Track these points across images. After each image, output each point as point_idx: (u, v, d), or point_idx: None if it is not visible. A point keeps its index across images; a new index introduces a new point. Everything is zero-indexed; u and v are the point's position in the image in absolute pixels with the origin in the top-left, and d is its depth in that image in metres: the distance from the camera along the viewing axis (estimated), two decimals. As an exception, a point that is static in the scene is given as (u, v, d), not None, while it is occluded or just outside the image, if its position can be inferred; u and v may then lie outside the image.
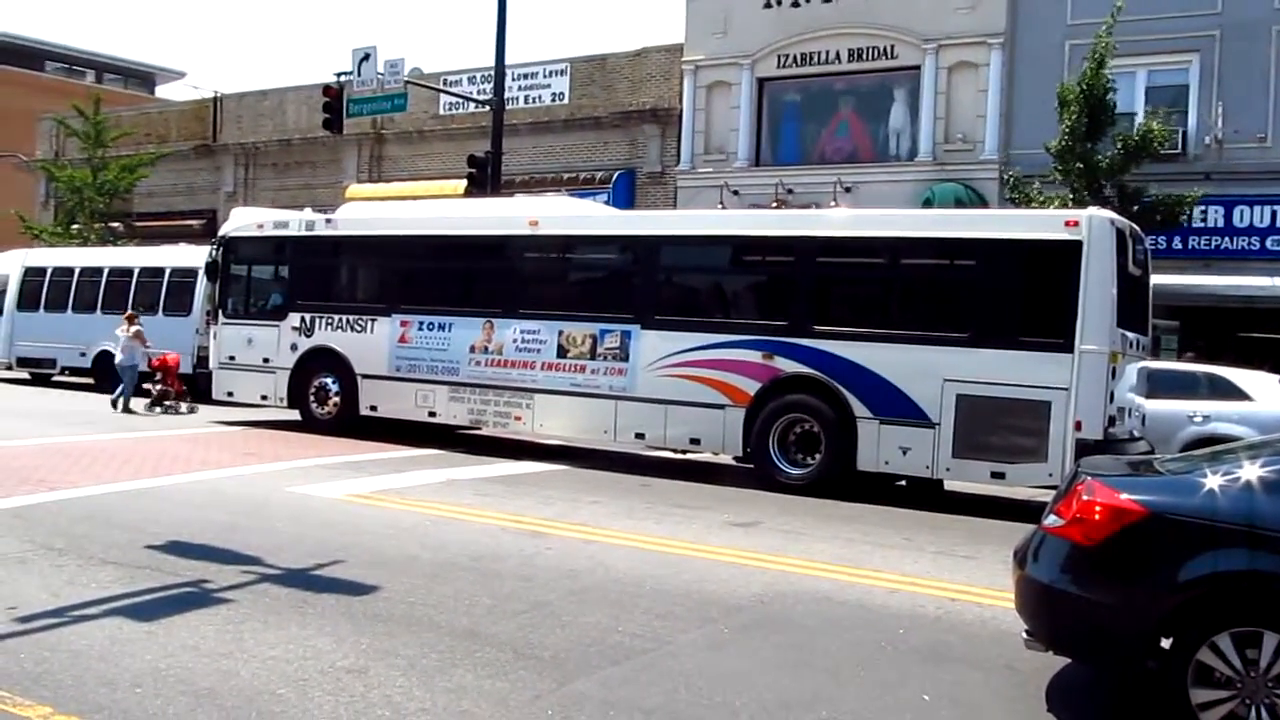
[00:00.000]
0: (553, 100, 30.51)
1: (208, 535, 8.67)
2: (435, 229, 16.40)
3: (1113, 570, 5.29)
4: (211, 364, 18.06)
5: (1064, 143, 19.94)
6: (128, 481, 11.14)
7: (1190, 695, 5.01)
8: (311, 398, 16.82)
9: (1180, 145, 22.21)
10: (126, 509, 9.70)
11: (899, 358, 12.45)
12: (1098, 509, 5.30)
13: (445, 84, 30.58)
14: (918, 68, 25.13)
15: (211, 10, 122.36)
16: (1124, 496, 5.31)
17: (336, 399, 16.57)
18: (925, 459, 12.26)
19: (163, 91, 59.14)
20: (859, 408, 12.59)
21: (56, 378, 25.80)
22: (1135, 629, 5.19)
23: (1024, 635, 5.66)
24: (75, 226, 35.05)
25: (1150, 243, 14.57)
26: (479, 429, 16.50)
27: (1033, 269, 12.23)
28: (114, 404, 19.59)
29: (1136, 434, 12.86)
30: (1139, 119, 21.10)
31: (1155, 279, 13.84)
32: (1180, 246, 22.10)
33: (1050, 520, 5.63)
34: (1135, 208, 19.14)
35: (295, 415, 17.10)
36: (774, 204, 24.66)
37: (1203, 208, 21.70)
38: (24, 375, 26.63)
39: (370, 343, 16.23)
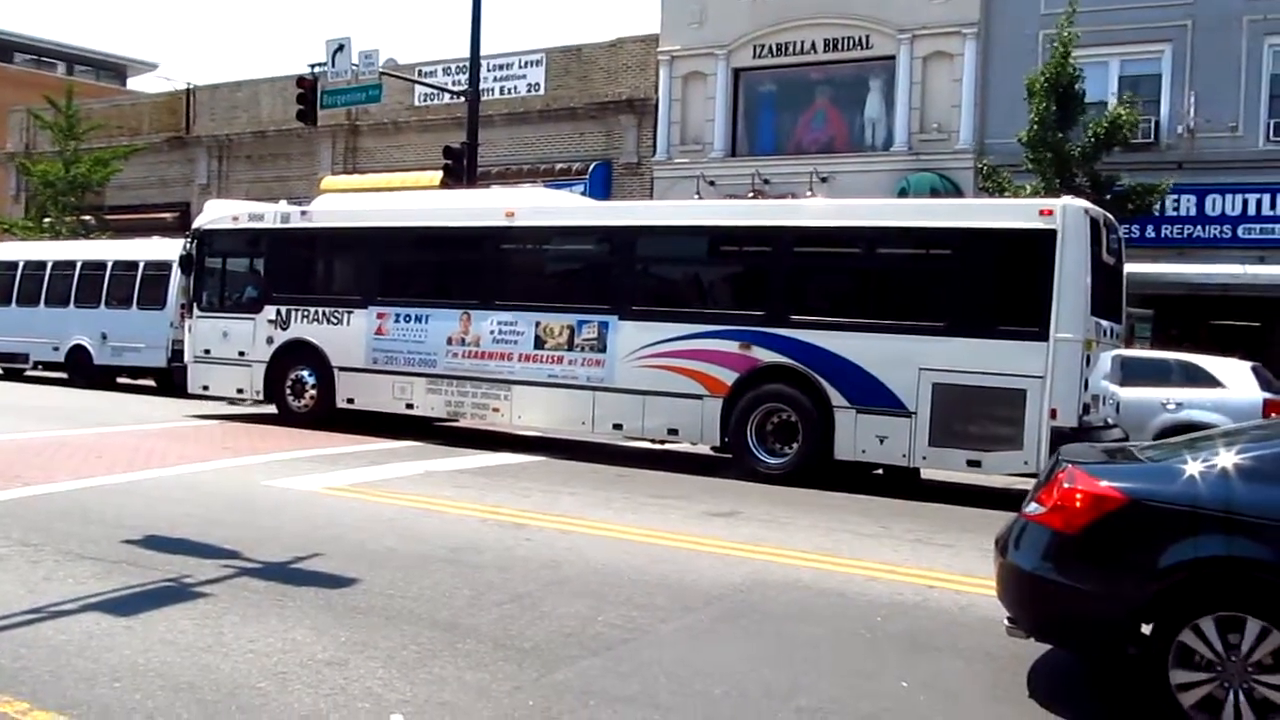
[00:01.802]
0: (528, 91, 30.45)
1: (185, 530, 8.63)
2: (411, 221, 16.35)
3: (1093, 557, 5.34)
4: (186, 358, 17.94)
5: (1034, 132, 20.06)
6: (104, 476, 11.08)
7: (1170, 677, 5.07)
8: (288, 391, 16.74)
9: (1153, 134, 22.40)
10: (103, 504, 9.64)
11: (876, 347, 12.50)
12: (1078, 496, 5.34)
13: (420, 75, 30.47)
14: (893, 58, 25.23)
15: (183, 1, 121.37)
16: (1104, 484, 5.36)
17: (313, 392, 16.50)
18: (902, 447, 12.32)
19: (134, 83, 58.61)
20: (836, 397, 12.64)
21: (29, 373, 25.59)
22: (1116, 615, 5.24)
23: (1006, 622, 5.70)
24: (47, 220, 34.75)
25: (1124, 231, 14.68)
26: (457, 421, 16.47)
27: (1007, 258, 12.29)
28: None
29: (1111, 421, 12.97)
30: (1111, 108, 21.24)
31: (1129, 267, 13.95)
32: (1154, 235, 22.29)
33: (1031, 508, 5.67)
34: (1108, 196, 19.28)
35: (271, 409, 17.03)
36: (750, 194, 24.70)
37: (1175, 196, 21.90)
38: (-4, 370, 26.43)
39: (347, 335, 16.17)
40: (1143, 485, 5.38)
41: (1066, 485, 5.43)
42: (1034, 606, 5.60)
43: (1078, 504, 5.33)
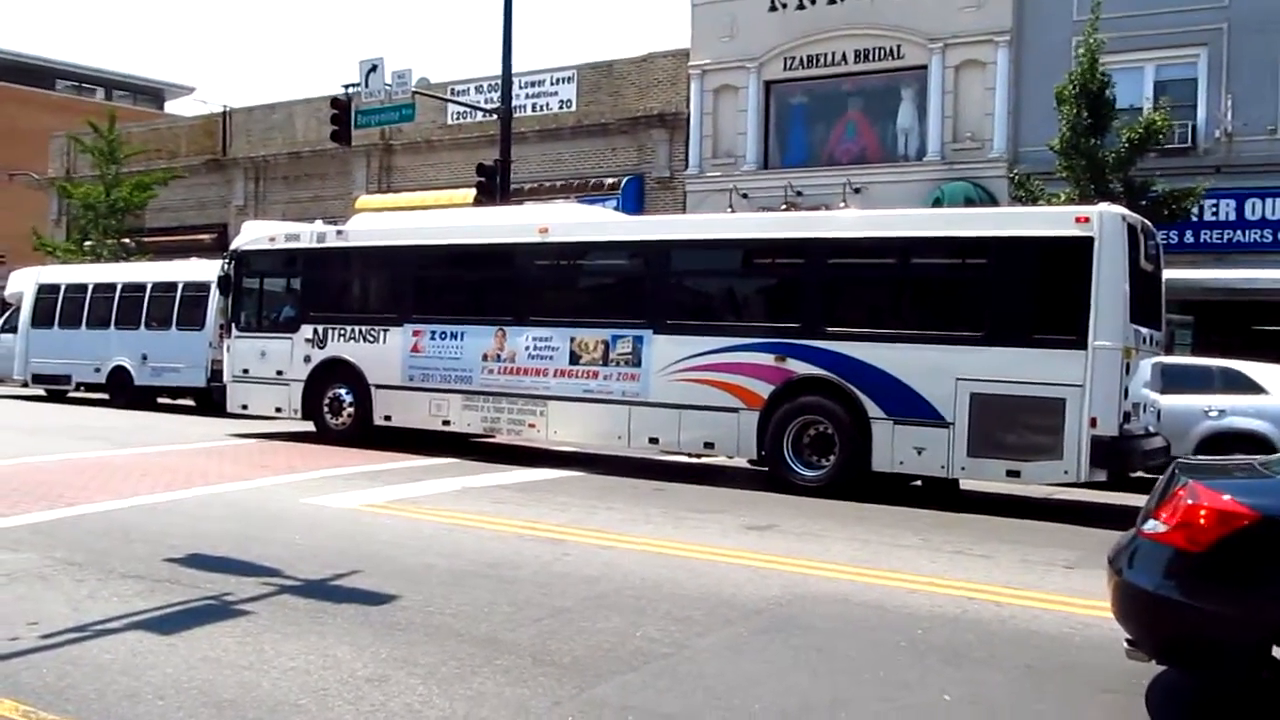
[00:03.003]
0: (560, 107, 30.59)
1: (225, 547, 8.71)
2: (445, 238, 16.46)
3: (1223, 577, 5.10)
4: (225, 377, 18.14)
5: (1066, 139, 19.92)
6: (145, 496, 11.19)
7: None
8: (325, 409, 16.87)
9: (1190, 139, 22.17)
10: (145, 523, 9.75)
11: (912, 357, 12.43)
12: (1203, 513, 5.10)
13: (452, 93, 30.69)
14: (924, 67, 25.14)
15: (219, 25, 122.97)
16: (1228, 498, 5.13)
17: (350, 410, 16.62)
18: (940, 459, 12.24)
19: (172, 107, 59.47)
20: (873, 408, 12.58)
21: (72, 394, 25.93)
22: (1248, 638, 5.01)
23: (1125, 644, 5.47)
24: (88, 243, 35.24)
25: (1162, 237, 14.53)
26: (493, 437, 16.53)
27: (1044, 266, 12.20)
28: None
29: (1152, 429, 12.83)
30: (1147, 113, 21.05)
31: (1168, 274, 13.79)
32: (1192, 241, 22.07)
33: (1150, 525, 5.43)
34: (1143, 202, 19.10)
35: (309, 427, 17.17)
36: (783, 206, 24.65)
37: (1214, 201, 21.67)
38: (39, 392, 26.78)
39: (383, 353, 16.28)
40: (1275, 500, 5.15)
41: (1189, 501, 5.18)
42: (1157, 628, 5.35)
43: (1202, 520, 5.08)
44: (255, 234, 18.43)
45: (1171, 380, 14.46)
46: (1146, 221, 13.03)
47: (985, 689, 5.86)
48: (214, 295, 21.60)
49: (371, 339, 16.43)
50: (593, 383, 14.47)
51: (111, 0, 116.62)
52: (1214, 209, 21.94)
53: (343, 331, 16.73)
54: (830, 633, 6.80)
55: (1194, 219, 21.27)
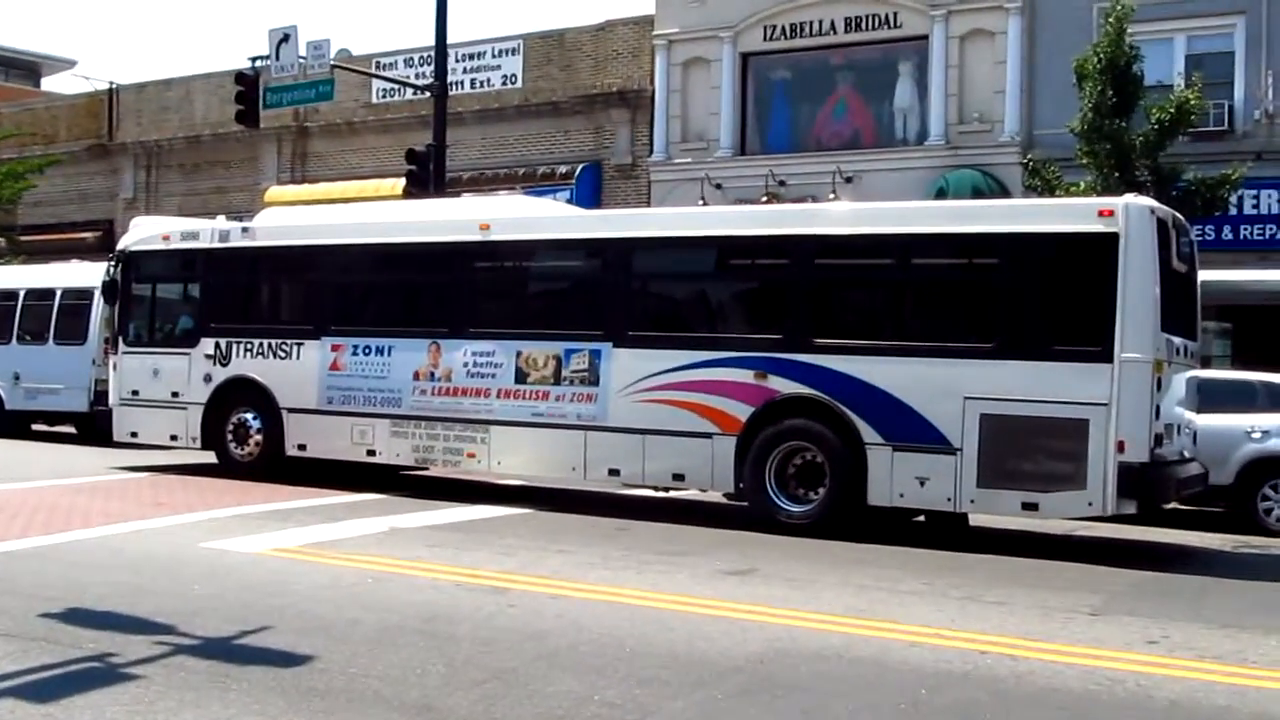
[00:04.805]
0: (504, 84, 30.62)
1: (112, 600, 8.61)
2: (369, 237, 16.40)
3: None
4: (111, 400, 17.99)
5: (1087, 121, 20.11)
6: (15, 540, 11.06)
7: None
8: (229, 437, 16.77)
9: (1226, 121, 22.45)
10: (15, 572, 9.62)
11: (913, 373, 12.50)
12: None
13: (378, 68, 30.66)
14: (925, 37, 25.38)
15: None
16: None
17: (258, 438, 16.52)
18: (946, 490, 12.30)
19: (49, 84, 58.87)
20: (868, 433, 12.64)
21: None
22: None
23: None
24: (-52, 244, 34.92)
25: (1196, 233, 14.70)
26: (426, 469, 16.47)
27: (1063, 267, 12.33)
28: None
29: (1188, 454, 12.96)
30: (1178, 91, 21.30)
31: (1203, 275, 13.96)
32: (1231, 237, 22.35)
33: None
34: (1173, 192, 19.30)
35: (210, 458, 17.05)
36: (764, 198, 24.81)
37: (1255, 192, 21.95)
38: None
39: (297, 371, 16.20)
40: None
41: None
42: None
43: None
44: (147, 232, 18.28)
45: (1209, 397, 14.61)
46: (1179, 215, 13.18)
47: (999, 757, 5.88)
48: (98, 304, 21.41)
49: (283, 355, 16.35)
50: (542, 405, 14.45)
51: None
52: (1254, 200, 22.24)
53: (249, 346, 16.62)
54: (820, 694, 6.81)
55: (1232, 212, 21.52)
